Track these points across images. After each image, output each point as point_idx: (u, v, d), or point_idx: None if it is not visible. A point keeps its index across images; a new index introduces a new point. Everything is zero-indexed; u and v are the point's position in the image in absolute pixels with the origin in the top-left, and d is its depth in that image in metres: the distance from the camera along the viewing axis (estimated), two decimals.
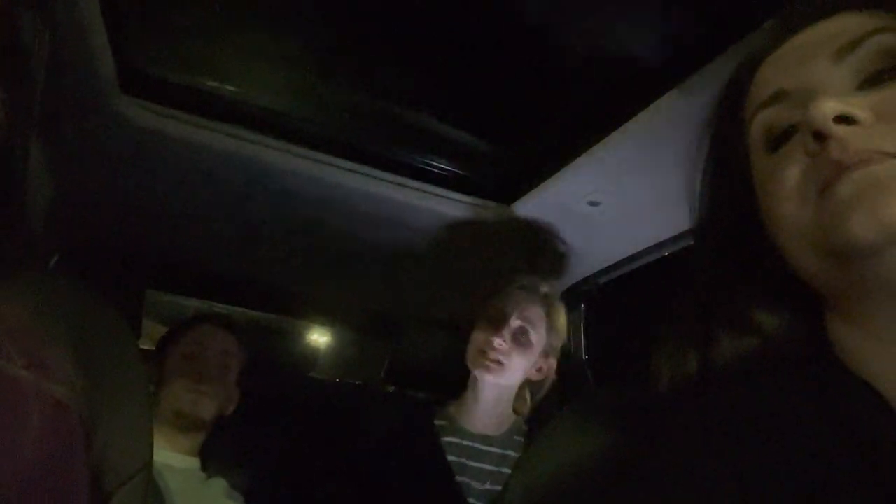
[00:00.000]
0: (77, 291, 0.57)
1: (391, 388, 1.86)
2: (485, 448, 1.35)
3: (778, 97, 0.48)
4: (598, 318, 1.64)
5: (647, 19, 0.96)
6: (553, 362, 1.39)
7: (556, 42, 1.03)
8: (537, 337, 1.35)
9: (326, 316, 2.22)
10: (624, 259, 1.46)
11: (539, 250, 1.50)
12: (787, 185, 0.45)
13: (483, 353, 1.32)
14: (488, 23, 1.06)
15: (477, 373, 1.33)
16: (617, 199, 1.25)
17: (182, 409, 1.36)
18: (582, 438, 0.49)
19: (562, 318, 1.40)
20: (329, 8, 1.12)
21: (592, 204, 1.29)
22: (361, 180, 1.41)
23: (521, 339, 1.34)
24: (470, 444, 1.35)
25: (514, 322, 1.34)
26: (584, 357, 1.64)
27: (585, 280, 1.58)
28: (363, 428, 1.49)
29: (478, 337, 1.36)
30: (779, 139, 0.48)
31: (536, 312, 1.36)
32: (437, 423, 1.38)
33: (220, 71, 1.28)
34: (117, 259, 1.76)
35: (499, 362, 1.31)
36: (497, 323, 1.34)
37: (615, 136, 1.10)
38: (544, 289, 1.40)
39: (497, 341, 1.31)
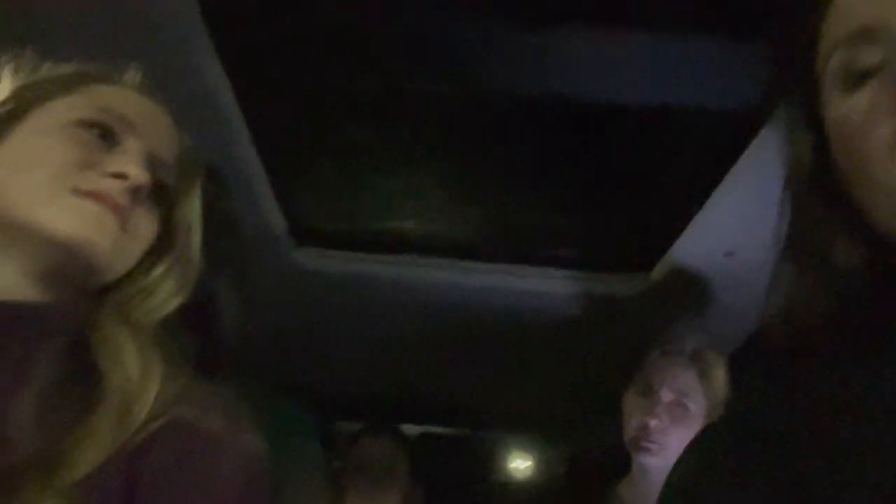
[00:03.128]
0: (265, 392, 0.71)
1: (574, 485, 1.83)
2: None
3: (861, 34, 0.44)
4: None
5: (732, 65, 1.01)
6: None
7: (652, 108, 1.10)
8: (696, 405, 1.23)
9: (510, 426, 2.26)
10: None
11: (689, 314, 1.48)
12: (878, 144, 0.42)
13: (639, 436, 1.23)
14: (594, 114, 1.17)
15: (637, 457, 1.25)
16: (752, 243, 1.23)
17: None
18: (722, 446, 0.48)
19: (719, 373, 1.27)
20: (458, 147, 1.31)
21: (728, 255, 1.28)
22: (507, 279, 1.53)
23: (677, 413, 1.22)
24: None
25: (666, 396, 1.24)
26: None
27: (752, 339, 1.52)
28: None
29: (631, 416, 1.27)
30: (858, 78, 0.44)
31: (688, 378, 1.24)
32: None
33: (373, 213, 1.50)
34: (306, 393, 1.97)
35: (657, 443, 1.21)
36: (646, 398, 1.25)
37: (729, 180, 1.12)
38: (692, 347, 1.28)
39: (652, 422, 1.21)
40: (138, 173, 0.56)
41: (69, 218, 0.54)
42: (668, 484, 0.51)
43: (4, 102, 0.59)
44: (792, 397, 0.45)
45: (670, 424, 1.21)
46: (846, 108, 0.45)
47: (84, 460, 0.48)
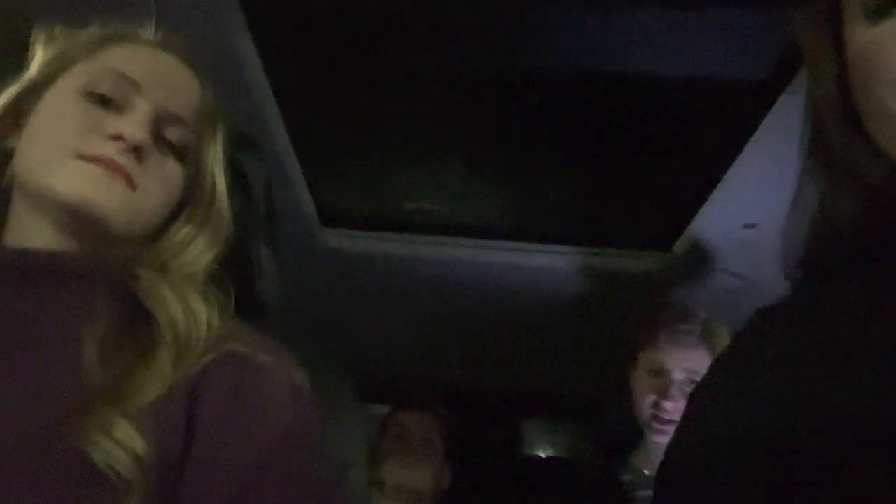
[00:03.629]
0: (301, 341, 0.74)
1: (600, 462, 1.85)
2: None
3: None
4: None
5: (746, 34, 1.03)
6: None
7: (666, 80, 1.12)
8: None
9: (532, 405, 2.29)
10: None
11: (713, 288, 1.49)
12: (887, 74, 0.43)
13: (654, 416, 1.27)
14: (610, 90, 1.19)
15: (653, 437, 1.29)
16: (773, 214, 1.24)
17: (399, 482, 1.54)
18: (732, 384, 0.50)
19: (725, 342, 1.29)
20: (480, 125, 1.33)
21: (749, 226, 1.29)
22: (530, 257, 1.55)
23: (688, 391, 1.22)
24: None
25: (678, 376, 1.27)
26: None
27: None
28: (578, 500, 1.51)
29: (644, 396, 1.31)
30: (884, 7, 0.45)
31: (699, 356, 1.26)
32: (624, 478, 1.35)
33: (398, 194, 1.54)
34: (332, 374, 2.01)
35: (673, 423, 1.20)
36: (658, 378, 1.29)
37: (747, 152, 1.13)
38: (700, 321, 1.29)
39: (667, 404, 1.25)
40: (134, 132, 0.59)
41: (71, 181, 0.57)
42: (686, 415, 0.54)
43: (35, 72, 0.63)
44: (806, 312, 0.47)
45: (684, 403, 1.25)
46: (869, 39, 0.45)
47: (148, 390, 0.52)
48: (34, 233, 0.60)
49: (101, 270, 0.60)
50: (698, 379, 1.21)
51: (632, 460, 1.37)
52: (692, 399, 0.53)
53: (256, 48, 1.01)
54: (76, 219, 0.58)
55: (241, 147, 0.86)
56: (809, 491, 0.40)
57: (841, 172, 0.48)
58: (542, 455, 2.25)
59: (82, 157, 0.58)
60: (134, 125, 0.59)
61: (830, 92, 0.50)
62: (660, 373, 1.29)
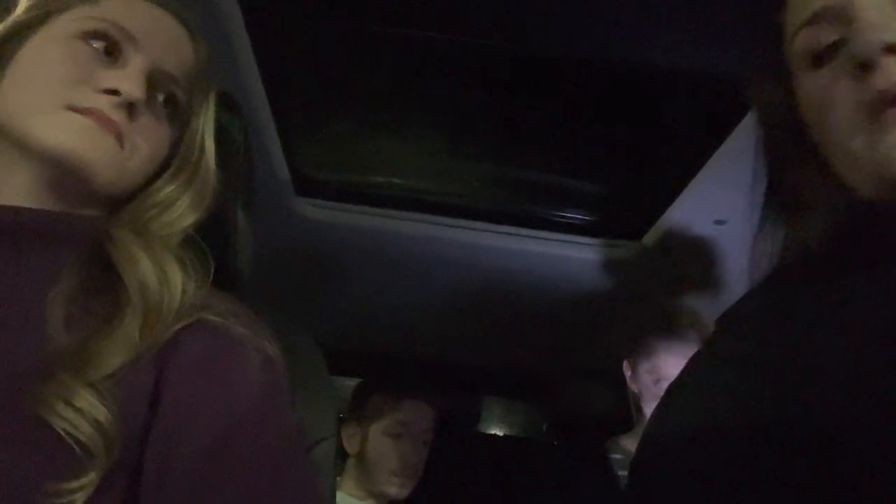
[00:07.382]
0: (273, 313, 0.73)
1: (555, 442, 1.89)
2: None
3: (820, 15, 0.48)
4: None
5: (727, 33, 1.04)
6: None
7: (649, 72, 1.12)
8: None
9: (482, 387, 2.31)
10: None
11: (680, 280, 1.52)
12: (837, 112, 0.47)
13: None
14: (592, 76, 1.19)
15: None
16: (743, 213, 1.26)
17: (385, 491, 1.46)
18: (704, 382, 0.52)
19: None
20: (459, 104, 1.32)
21: (719, 223, 1.31)
22: (500, 239, 1.56)
23: None
24: None
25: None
26: None
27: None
28: (534, 479, 1.54)
29: (646, 398, 1.35)
30: (822, 54, 0.48)
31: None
32: (612, 456, 1.40)
33: (374, 167, 1.53)
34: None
35: None
36: (659, 385, 1.32)
37: (724, 150, 1.15)
38: (690, 318, 1.33)
39: None
40: (130, 88, 0.57)
41: (59, 132, 0.55)
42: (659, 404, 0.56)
43: (22, 13, 0.60)
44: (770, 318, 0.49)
45: None
46: (812, 84, 0.50)
47: (112, 358, 0.51)
48: (9, 186, 0.57)
49: (74, 231, 0.58)
50: None
51: (622, 442, 1.42)
52: (666, 396, 0.54)
53: (241, 13, 0.98)
54: (60, 172, 0.56)
55: (223, 107, 0.84)
56: (774, 484, 0.42)
57: (806, 210, 0.51)
58: (502, 436, 2.28)
59: (72, 108, 0.56)
60: (131, 81, 0.58)
61: (787, 136, 0.54)
62: (664, 378, 1.32)
